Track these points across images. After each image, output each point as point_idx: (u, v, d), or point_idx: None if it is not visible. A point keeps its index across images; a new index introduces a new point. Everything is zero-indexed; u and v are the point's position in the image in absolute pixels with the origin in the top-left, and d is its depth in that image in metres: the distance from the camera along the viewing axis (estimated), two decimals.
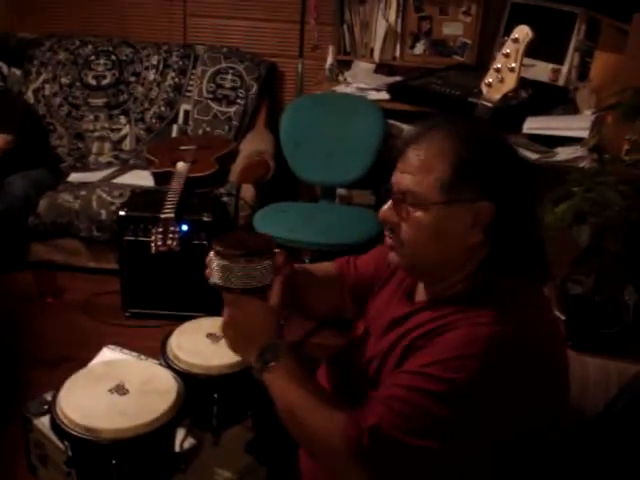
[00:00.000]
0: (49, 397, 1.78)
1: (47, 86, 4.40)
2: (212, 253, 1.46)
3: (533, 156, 3.05)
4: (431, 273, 1.42)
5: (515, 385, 1.27)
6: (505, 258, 1.38)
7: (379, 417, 1.27)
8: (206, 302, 3.29)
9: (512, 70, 1.95)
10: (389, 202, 1.40)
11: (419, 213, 1.35)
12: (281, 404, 1.40)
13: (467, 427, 1.25)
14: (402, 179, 1.37)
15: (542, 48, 3.60)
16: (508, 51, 1.95)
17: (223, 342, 1.83)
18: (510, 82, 1.97)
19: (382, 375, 1.41)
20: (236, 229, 1.44)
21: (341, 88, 3.94)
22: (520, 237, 1.39)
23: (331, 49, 4.11)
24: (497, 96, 1.98)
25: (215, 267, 1.44)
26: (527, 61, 1.98)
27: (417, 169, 1.35)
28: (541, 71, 3.79)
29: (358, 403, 1.38)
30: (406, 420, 1.26)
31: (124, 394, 1.64)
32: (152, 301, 3.45)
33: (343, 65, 4.17)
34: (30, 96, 4.39)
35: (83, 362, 2.04)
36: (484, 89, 1.99)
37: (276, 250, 1.51)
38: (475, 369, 1.24)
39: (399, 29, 4.09)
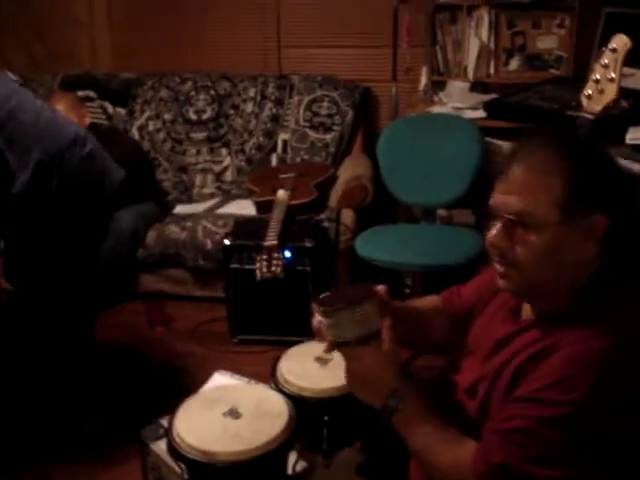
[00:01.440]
0: (164, 422, 1.83)
1: (150, 123, 4.57)
2: (317, 316, 1.49)
3: (637, 167, 2.97)
4: (543, 293, 1.38)
5: (631, 396, 1.25)
6: (617, 270, 1.35)
7: (505, 452, 1.26)
8: (311, 326, 3.35)
9: (612, 80, 1.93)
10: (497, 226, 1.35)
11: (535, 234, 1.30)
12: (411, 446, 1.41)
13: (592, 445, 1.24)
14: (509, 200, 1.33)
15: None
16: (606, 61, 1.93)
17: (331, 365, 1.88)
18: (610, 93, 1.94)
19: (491, 400, 1.40)
20: (334, 287, 1.50)
21: (436, 109, 3.94)
22: (633, 247, 1.36)
23: (424, 70, 4.12)
24: (598, 107, 1.96)
25: (324, 327, 1.47)
26: (626, 70, 1.94)
27: (527, 189, 1.31)
28: None
29: (464, 429, 1.39)
30: (532, 452, 1.24)
31: (238, 418, 1.68)
32: (259, 327, 3.51)
33: (437, 86, 4.17)
34: (135, 133, 4.57)
35: (194, 388, 2.09)
36: (584, 101, 1.97)
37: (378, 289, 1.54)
38: (591, 386, 1.22)
39: (492, 46, 4.06)
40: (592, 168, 1.32)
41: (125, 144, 4.15)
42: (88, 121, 4.07)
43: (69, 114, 3.88)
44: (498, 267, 1.39)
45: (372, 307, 1.46)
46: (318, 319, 1.49)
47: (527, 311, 1.47)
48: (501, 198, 1.35)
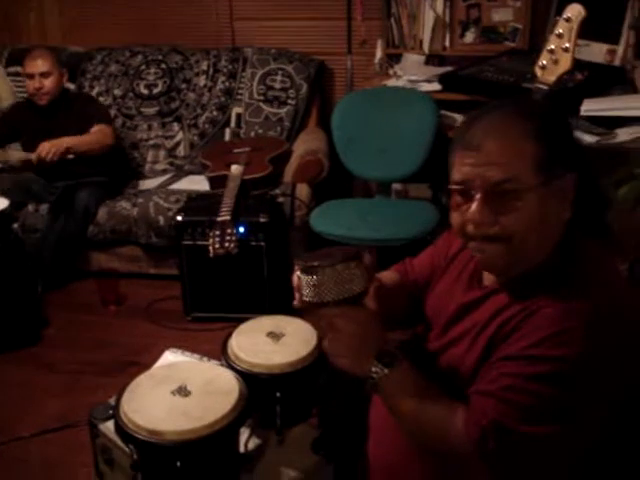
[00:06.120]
0: (113, 402, 1.79)
1: (101, 99, 4.46)
2: (298, 273, 1.40)
3: (593, 139, 2.97)
4: (528, 261, 1.32)
5: (617, 351, 1.24)
6: (584, 227, 1.35)
7: (495, 411, 1.24)
8: (266, 303, 3.32)
9: (566, 50, 1.90)
10: (475, 202, 1.28)
11: (523, 199, 1.26)
12: (400, 411, 1.36)
13: (585, 401, 1.23)
14: (487, 172, 1.27)
15: (596, 29, 3.51)
16: (561, 31, 1.90)
17: (283, 340, 1.84)
18: (565, 63, 1.91)
19: (464, 365, 1.38)
20: (317, 250, 1.41)
21: (392, 82, 3.90)
22: (597, 202, 1.36)
23: (379, 43, 4.08)
24: (552, 78, 1.93)
25: (304, 285, 1.38)
26: (581, 42, 1.92)
27: (504, 158, 1.27)
28: (596, 52, 3.69)
29: None
30: (523, 410, 1.23)
31: (186, 396, 1.64)
32: (213, 304, 3.46)
33: (392, 59, 4.12)
34: None
35: (147, 367, 2.04)
36: (538, 72, 1.94)
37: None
38: (580, 342, 1.20)
39: (447, 18, 4.03)
40: (557, 127, 1.32)
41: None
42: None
43: (53, 69, 3.92)
44: (480, 246, 1.33)
45: (358, 268, 1.38)
46: (299, 275, 1.39)
47: (490, 276, 1.44)
48: (476, 171, 1.28)
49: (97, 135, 3.91)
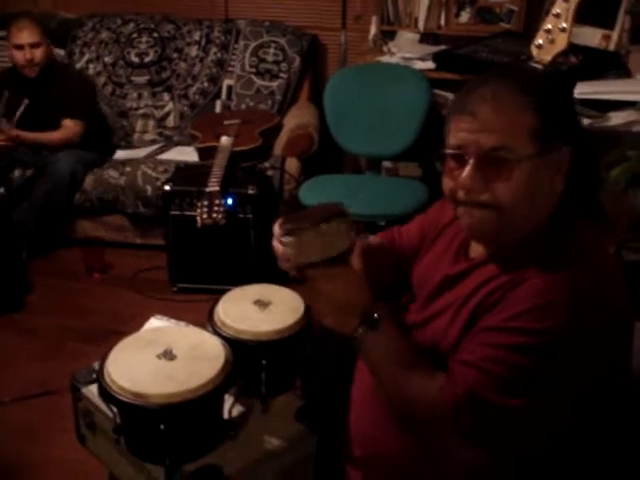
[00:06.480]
0: (97, 366, 1.77)
1: (91, 66, 4.42)
2: (282, 239, 1.37)
3: (585, 121, 2.96)
4: (517, 232, 1.31)
5: (599, 327, 1.23)
6: (577, 202, 1.34)
7: (472, 380, 1.24)
8: (253, 275, 3.31)
9: (563, 30, 1.89)
10: (468, 167, 1.27)
11: (516, 168, 1.25)
12: (380, 371, 1.37)
13: (562, 376, 1.22)
14: (482, 138, 1.26)
15: (592, 13, 3.49)
16: (559, 11, 1.89)
17: (270, 308, 1.83)
18: (561, 42, 1.90)
19: (447, 337, 1.36)
20: (300, 210, 1.39)
21: (385, 59, 3.88)
22: (589, 180, 1.35)
23: (374, 19, 4.05)
24: (548, 58, 1.92)
25: (290, 248, 1.36)
26: (577, 27, 1.92)
27: (500, 125, 1.25)
28: (591, 37, 3.68)
29: None
30: (501, 381, 1.22)
31: (172, 359, 1.62)
32: (199, 275, 3.45)
33: (387, 36, 4.10)
34: None
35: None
36: (534, 51, 1.93)
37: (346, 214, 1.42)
38: (564, 315, 1.20)
39: None
40: (557, 101, 1.31)
41: (89, 91, 4.14)
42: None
43: (42, 40, 3.88)
44: (469, 210, 1.31)
45: (341, 225, 1.36)
46: (283, 237, 1.37)
47: (477, 249, 1.43)
48: (471, 136, 1.27)
49: (64, 134, 3.89)
